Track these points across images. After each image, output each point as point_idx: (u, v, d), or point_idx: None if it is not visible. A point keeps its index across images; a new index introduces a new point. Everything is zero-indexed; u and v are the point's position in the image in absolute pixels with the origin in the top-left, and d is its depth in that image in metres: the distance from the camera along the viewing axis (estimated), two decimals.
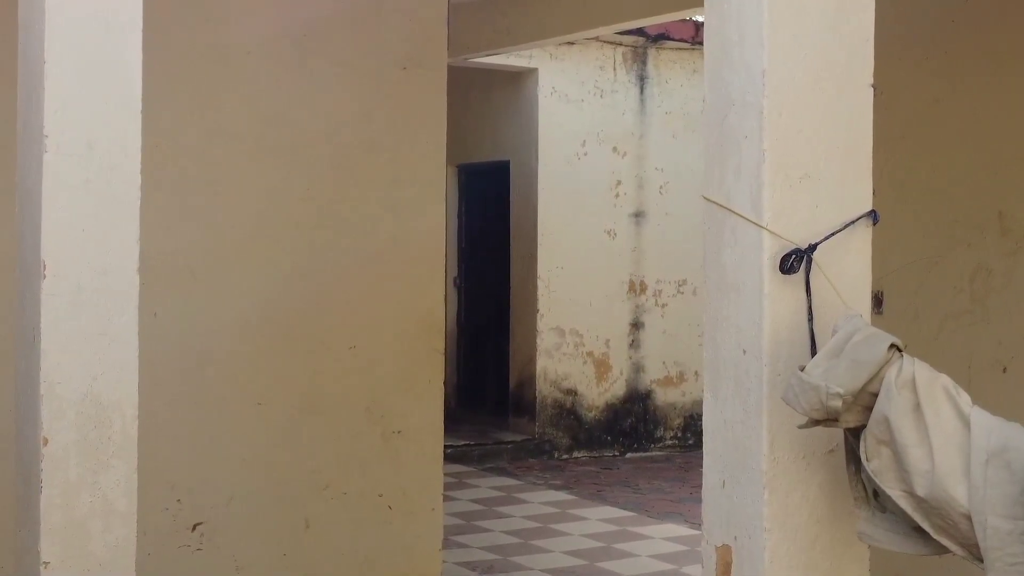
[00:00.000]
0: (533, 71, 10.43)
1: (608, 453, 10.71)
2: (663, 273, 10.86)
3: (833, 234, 2.57)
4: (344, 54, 5.39)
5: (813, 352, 2.54)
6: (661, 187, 10.86)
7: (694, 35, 10.80)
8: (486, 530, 7.58)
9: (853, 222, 2.60)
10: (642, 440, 10.86)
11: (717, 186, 2.66)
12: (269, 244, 5.25)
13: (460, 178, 11.49)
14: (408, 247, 5.48)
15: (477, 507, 8.32)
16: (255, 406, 5.24)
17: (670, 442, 10.99)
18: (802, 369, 2.42)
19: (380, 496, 5.48)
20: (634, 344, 10.75)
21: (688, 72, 10.94)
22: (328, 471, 5.39)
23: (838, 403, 2.34)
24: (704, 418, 2.73)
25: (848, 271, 2.61)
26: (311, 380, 5.34)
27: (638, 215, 10.75)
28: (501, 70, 10.42)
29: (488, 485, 9.12)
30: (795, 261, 2.54)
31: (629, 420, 10.80)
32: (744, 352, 2.59)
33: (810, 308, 2.56)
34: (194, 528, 5.12)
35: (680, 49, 10.87)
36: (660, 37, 10.65)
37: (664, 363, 10.93)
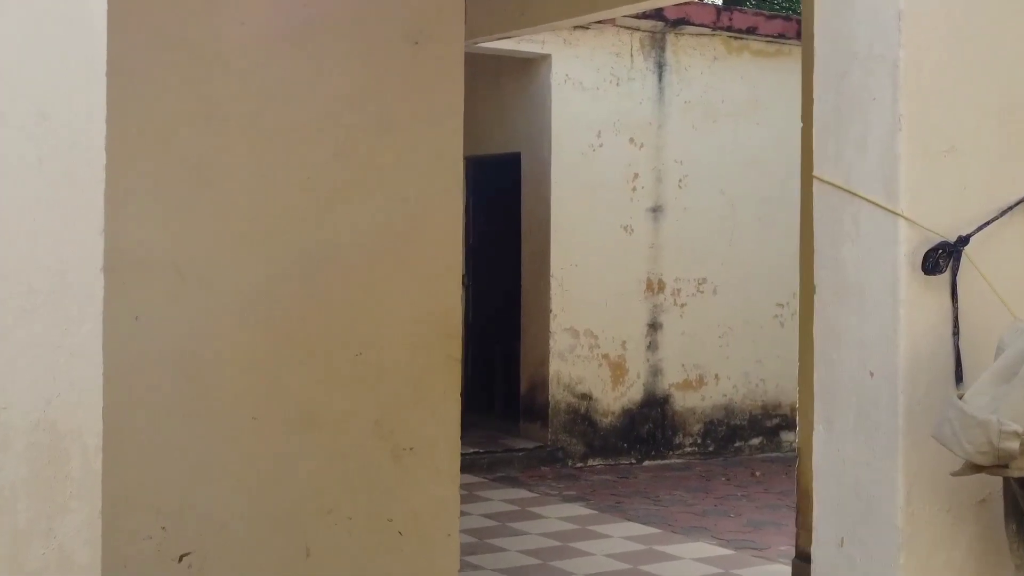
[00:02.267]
0: (546, 57, 9.93)
1: (624, 461, 10.21)
2: (682, 271, 10.38)
3: (988, 223, 2.00)
4: (349, 27, 4.81)
5: (958, 375, 1.97)
6: (680, 180, 10.36)
7: (715, 20, 10.29)
8: (501, 549, 7.01)
9: (1012, 207, 2.03)
10: (660, 447, 10.37)
11: (832, 163, 2.09)
12: (265, 239, 4.67)
13: (468, 171, 10.91)
14: (421, 243, 4.91)
15: (490, 523, 7.76)
16: (250, 421, 4.67)
17: (689, 449, 10.49)
18: (960, 398, 1.85)
19: (390, 521, 4.90)
20: (652, 346, 10.26)
21: (708, 59, 10.44)
22: (331, 493, 4.82)
23: (1014, 444, 1.78)
24: (815, 455, 2.16)
25: (1008, 270, 2.04)
26: (312, 391, 4.77)
27: (656, 210, 10.27)
28: (512, 56, 9.93)
29: (500, 498, 8.56)
30: (941, 258, 1.97)
31: (646, 426, 10.31)
32: (871, 374, 2.03)
33: (956, 318, 1.99)
34: (181, 559, 4.54)
35: (700, 35, 10.36)
36: (679, 22, 10.14)
37: (683, 366, 10.45)
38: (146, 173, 4.45)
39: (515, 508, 8.27)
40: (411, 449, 4.93)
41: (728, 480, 9.64)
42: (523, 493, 8.81)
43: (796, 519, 6.13)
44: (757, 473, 9.92)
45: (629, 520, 7.98)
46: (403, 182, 4.88)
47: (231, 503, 4.64)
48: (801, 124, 6.11)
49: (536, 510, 8.21)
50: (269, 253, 4.69)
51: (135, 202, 4.44)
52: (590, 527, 7.70)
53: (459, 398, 5.01)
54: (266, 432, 4.69)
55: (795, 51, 10.65)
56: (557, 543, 7.25)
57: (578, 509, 8.30)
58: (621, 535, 7.50)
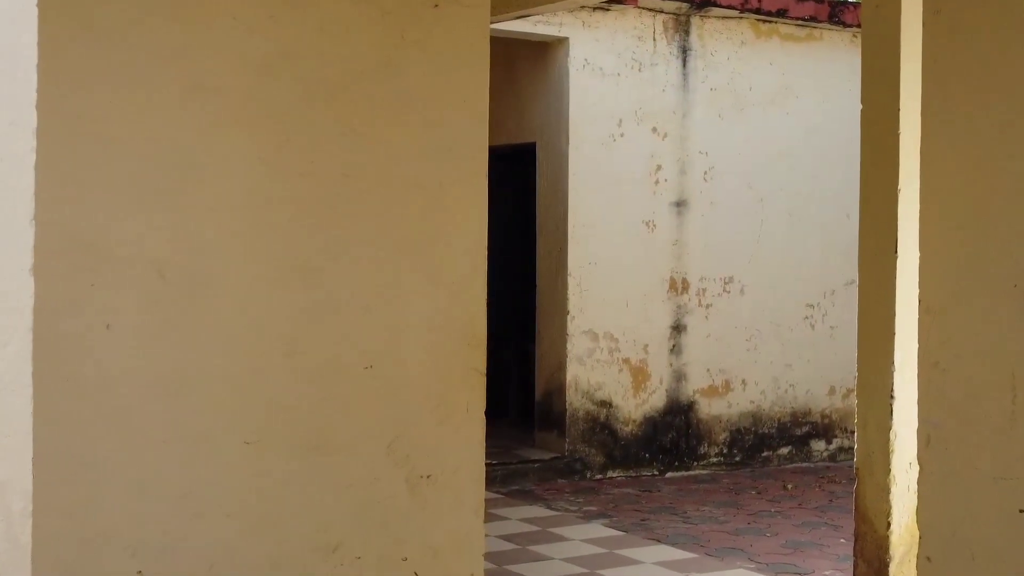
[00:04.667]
0: (563, 41, 9.33)
1: (646, 472, 9.62)
2: (708, 270, 9.82)
3: None
4: None
5: None
6: (706, 173, 9.80)
7: (743, 1, 9.70)
8: None
9: None
10: (684, 457, 9.79)
11: None
12: (261, 235, 4.02)
13: None
14: (442, 239, 4.26)
15: (509, 546, 7.11)
16: (242, 445, 4.01)
17: (715, 459, 9.91)
18: None
19: (404, 560, 4.24)
20: (675, 350, 9.70)
21: (736, 44, 9.86)
22: (338, 528, 4.16)
23: None
24: None
25: None
26: (315, 411, 4.11)
27: (680, 204, 9.70)
28: (526, 39, 9.31)
29: (518, 516, 7.91)
30: None
31: (670, 435, 9.74)
32: None
33: None
34: None
35: (727, 18, 9.79)
36: (705, 3, 9.56)
37: (708, 371, 9.89)
38: (121, 158, 3.80)
39: (535, 528, 7.62)
40: (429, 477, 4.26)
41: (759, 494, 9.02)
42: (541, 511, 8.16)
43: (855, 547, 5.51)
44: (789, 486, 9.31)
45: (658, 542, 7.33)
46: (421, 168, 4.22)
47: (221, 541, 3.98)
48: (861, 106, 5.46)
49: (558, 531, 7.56)
50: (265, 251, 4.03)
51: (108, 192, 3.79)
52: (618, 551, 7.05)
53: (484, 418, 4.35)
54: (261, 458, 4.03)
55: (827, 35, 10.09)
56: (584, 570, 6.59)
57: (603, 529, 7.64)
58: (653, 560, 6.85)
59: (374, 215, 4.19)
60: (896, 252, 5.23)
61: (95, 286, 3.75)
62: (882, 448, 5.32)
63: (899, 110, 5.23)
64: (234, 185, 3.98)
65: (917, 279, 5.44)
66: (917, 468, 5.61)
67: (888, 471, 5.30)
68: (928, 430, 3.13)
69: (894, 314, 5.26)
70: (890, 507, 5.31)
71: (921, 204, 3.20)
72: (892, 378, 5.26)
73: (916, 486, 5.59)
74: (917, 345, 3.22)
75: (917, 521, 3.29)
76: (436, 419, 4.26)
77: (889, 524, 5.31)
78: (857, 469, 5.53)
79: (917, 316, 3.25)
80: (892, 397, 5.26)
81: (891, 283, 5.28)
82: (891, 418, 5.28)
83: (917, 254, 5.48)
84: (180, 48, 3.92)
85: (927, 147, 3.14)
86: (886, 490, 5.32)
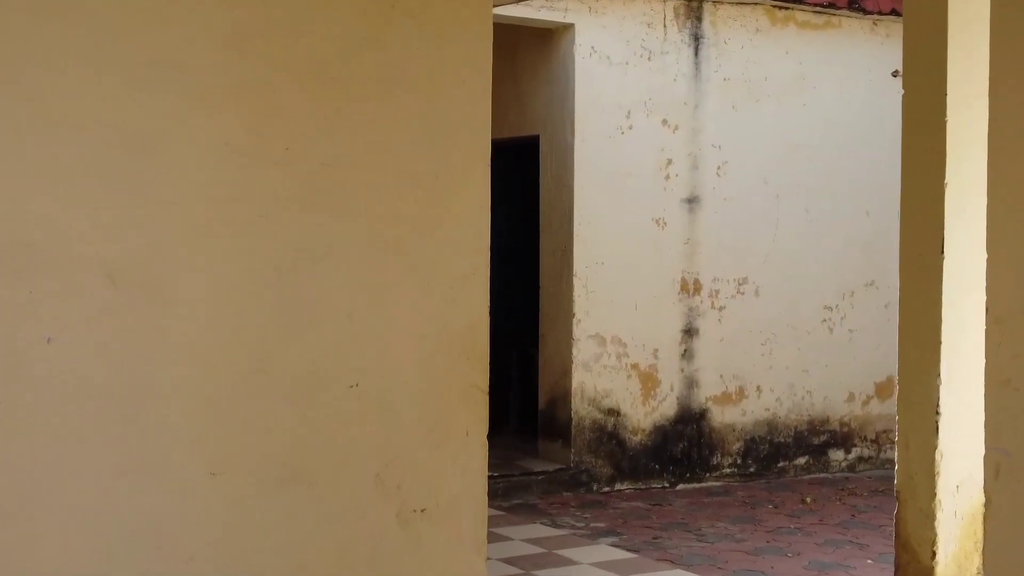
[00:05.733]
0: (568, 27, 8.90)
1: (656, 485, 9.18)
2: (721, 270, 9.39)
3: None
4: None
5: None
6: (719, 167, 9.37)
7: None
8: None
9: None
10: (695, 468, 9.35)
11: None
12: (228, 232, 3.49)
13: None
14: (438, 236, 3.72)
15: (512, 571, 6.59)
16: (207, 476, 3.47)
17: (728, 470, 9.46)
18: None
19: None
20: (686, 354, 9.30)
21: (751, 31, 9.45)
22: (319, 570, 3.63)
23: None
24: None
25: None
26: (292, 435, 3.58)
27: (692, 201, 9.28)
28: (530, 26, 8.88)
29: (521, 536, 7.40)
30: None
31: (680, 445, 9.32)
32: None
33: None
34: None
35: (741, 3, 9.42)
36: None
37: (722, 377, 9.46)
38: (65, 145, 3.27)
39: (540, 551, 7.10)
40: (423, 510, 3.73)
41: (776, 508, 8.54)
42: (546, 529, 7.65)
43: None
44: (808, 500, 8.83)
45: (673, 564, 6.82)
46: (414, 156, 3.69)
47: None
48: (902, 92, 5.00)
49: (566, 553, 7.04)
50: (234, 251, 3.50)
51: (50, 184, 3.26)
52: None
53: (486, 442, 3.82)
54: (230, 491, 3.50)
55: (845, 23, 9.66)
56: None
57: (613, 551, 7.13)
58: None
59: (360, 210, 3.64)
60: (942, 252, 4.85)
61: (34, 293, 3.22)
62: (926, 470, 4.93)
63: (946, 94, 4.82)
64: (197, 176, 3.43)
65: (966, 282, 4.98)
66: (967, 492, 5.12)
67: (933, 495, 4.92)
68: (997, 458, 2.80)
69: (940, 321, 4.87)
70: (935, 535, 4.92)
71: (989, 200, 2.86)
72: (938, 392, 4.88)
73: (965, 511, 5.12)
74: (984, 359, 2.90)
75: (983, 562, 2.92)
76: (431, 444, 3.72)
77: (934, 554, 4.91)
78: (898, 492, 5.13)
79: (982, 326, 2.92)
80: (938, 413, 4.87)
81: (936, 287, 4.90)
82: (936, 436, 4.89)
83: (966, 255, 5.01)
84: (135, 18, 3.38)
85: (995, 134, 2.79)
86: (930, 516, 4.93)
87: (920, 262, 4.90)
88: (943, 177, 4.80)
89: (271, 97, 3.52)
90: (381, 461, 3.69)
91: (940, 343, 4.79)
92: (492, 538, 7.16)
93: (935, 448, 4.85)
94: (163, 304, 3.41)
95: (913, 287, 4.95)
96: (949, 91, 4.79)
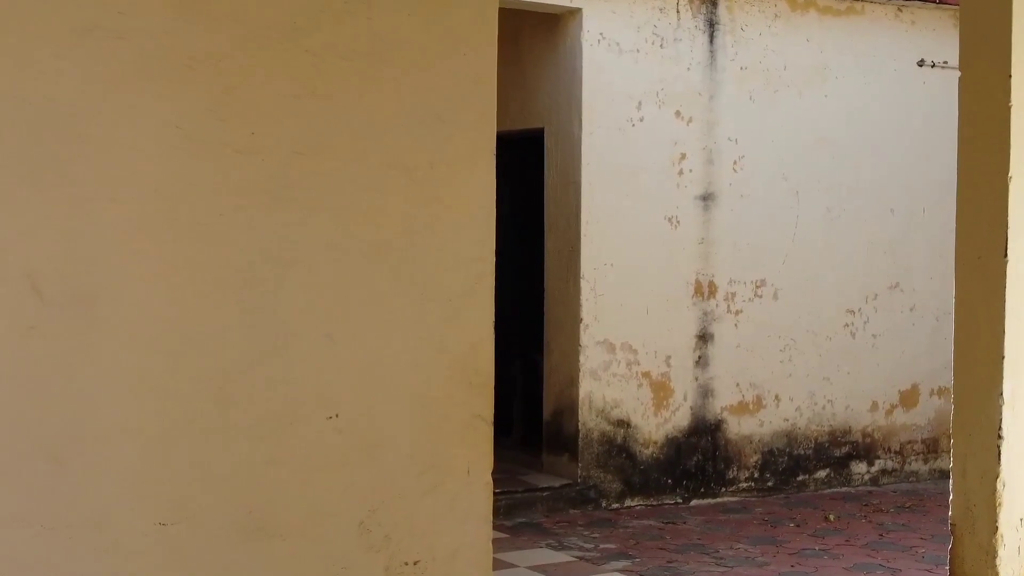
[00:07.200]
0: (576, 13, 8.46)
1: (669, 501, 8.75)
2: (737, 271, 8.96)
3: None
4: None
5: None
6: (735, 162, 8.91)
7: None
8: None
9: None
10: (710, 483, 8.93)
11: None
12: (179, 235, 2.91)
13: None
14: (434, 239, 3.16)
15: None
16: (156, 528, 2.90)
17: (744, 485, 9.02)
18: None
19: None
20: (701, 362, 8.90)
21: (769, 17, 9.07)
22: None
23: None
24: None
25: None
26: (259, 479, 3.01)
27: (707, 198, 8.83)
28: (534, 11, 8.48)
29: (526, 563, 6.87)
30: None
31: (694, 458, 8.92)
32: None
33: None
34: None
35: None
36: None
37: (738, 385, 8.99)
38: None
39: None
40: (416, 563, 3.16)
41: (798, 526, 8.05)
42: (552, 554, 7.13)
43: None
44: (831, 517, 8.34)
45: None
46: (405, 143, 3.13)
47: None
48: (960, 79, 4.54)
49: None
50: (187, 258, 2.93)
51: None
52: None
53: (490, 481, 3.25)
54: (183, 546, 2.93)
55: (869, 9, 9.24)
56: None
57: None
58: None
59: (340, 207, 3.07)
60: (1006, 256, 4.47)
61: None
62: (986, 500, 4.54)
63: (1010, 76, 4.43)
64: (142, 166, 2.86)
65: None
66: None
67: (994, 529, 4.53)
68: None
69: (1003, 333, 4.47)
70: (997, 573, 4.51)
71: None
72: (1000, 413, 4.49)
73: None
74: None
75: None
76: (425, 486, 3.16)
77: None
78: (953, 525, 4.68)
79: None
80: (1000, 437, 4.47)
81: (999, 295, 4.52)
82: (999, 463, 4.49)
83: None
84: None
85: None
86: (991, 553, 4.54)
87: (979, 266, 4.49)
88: (1007, 170, 4.38)
89: (233, 72, 2.94)
90: (366, 507, 3.11)
91: (1003, 358, 4.39)
92: (494, 564, 6.65)
93: (997, 477, 4.45)
94: (100, 321, 2.83)
95: (971, 294, 4.53)
96: (1014, 69, 4.38)
